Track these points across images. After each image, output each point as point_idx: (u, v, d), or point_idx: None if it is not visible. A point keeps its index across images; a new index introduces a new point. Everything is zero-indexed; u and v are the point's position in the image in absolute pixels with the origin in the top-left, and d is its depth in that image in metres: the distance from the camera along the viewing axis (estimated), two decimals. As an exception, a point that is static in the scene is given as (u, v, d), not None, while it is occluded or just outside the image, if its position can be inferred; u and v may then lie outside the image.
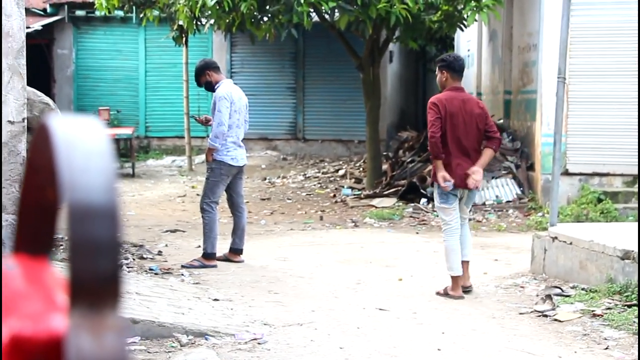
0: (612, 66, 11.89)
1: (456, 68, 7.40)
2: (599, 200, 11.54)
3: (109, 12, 14.83)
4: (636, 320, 6.07)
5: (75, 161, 0.73)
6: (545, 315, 6.52)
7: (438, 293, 7.38)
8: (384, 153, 15.28)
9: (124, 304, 0.75)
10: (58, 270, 0.91)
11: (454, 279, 7.26)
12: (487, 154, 7.37)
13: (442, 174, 7.13)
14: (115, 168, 0.74)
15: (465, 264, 7.38)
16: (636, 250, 6.72)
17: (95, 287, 0.72)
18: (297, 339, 5.86)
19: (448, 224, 7.31)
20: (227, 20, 12.47)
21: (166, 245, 9.59)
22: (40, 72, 18.65)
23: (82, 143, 0.75)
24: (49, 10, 19.25)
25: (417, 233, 10.97)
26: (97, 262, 0.72)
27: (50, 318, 0.80)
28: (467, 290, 7.38)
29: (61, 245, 6.56)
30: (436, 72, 7.64)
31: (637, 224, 7.80)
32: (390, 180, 13.63)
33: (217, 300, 6.93)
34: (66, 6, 19.13)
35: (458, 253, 7.26)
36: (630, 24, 11.78)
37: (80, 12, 19.11)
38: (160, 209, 12.82)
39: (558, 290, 7.20)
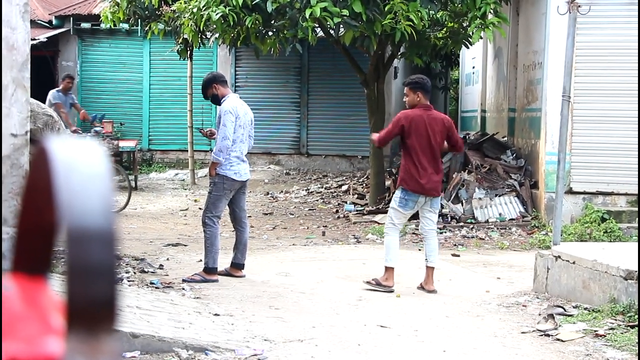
0: (617, 85, 11.89)
1: (428, 89, 8.32)
2: (603, 220, 11.51)
3: (114, 25, 14.88)
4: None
5: (74, 185, 0.72)
6: (548, 335, 6.48)
7: (368, 282, 8.21)
8: (387, 169, 15.27)
9: (120, 324, 0.74)
10: (55, 291, 0.90)
11: (390, 270, 8.17)
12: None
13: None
14: (113, 192, 0.73)
15: (430, 269, 8.26)
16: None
17: (92, 312, 0.71)
18: (297, 356, 5.83)
19: (395, 225, 8.27)
20: (232, 35, 12.50)
21: (167, 259, 9.57)
22: (45, 84, 18.70)
23: (81, 166, 0.74)
24: (54, 22, 19.30)
25: (420, 250, 10.93)
26: (93, 286, 0.70)
27: (46, 341, 0.78)
28: (431, 292, 8.18)
29: (59, 264, 6.55)
30: (406, 92, 8.36)
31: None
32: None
33: (218, 315, 6.91)
34: (71, 18, 19.17)
35: (397, 248, 8.26)
36: (636, 43, 11.78)
37: (85, 25, 19.15)
38: (162, 223, 12.81)
39: (560, 310, 7.17)
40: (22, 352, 0.77)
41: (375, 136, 8.66)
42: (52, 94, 14.39)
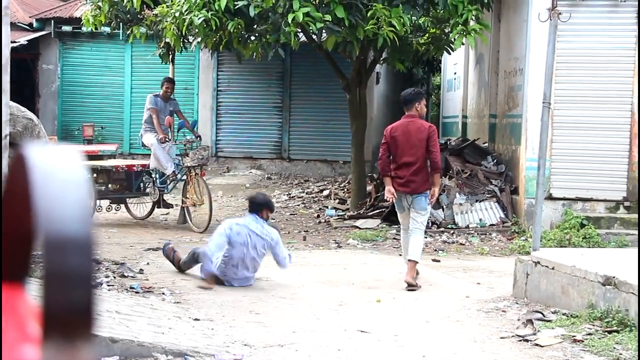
0: (597, 92, 11.97)
1: (404, 100, 8.96)
2: (582, 226, 11.58)
3: (96, 28, 14.83)
4: (616, 346, 6.08)
5: (51, 192, 0.72)
6: (526, 340, 6.51)
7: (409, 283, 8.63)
8: (369, 174, 15.30)
9: (99, 330, 0.74)
10: (32, 298, 0.90)
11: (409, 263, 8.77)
12: (435, 178, 8.95)
13: (388, 187, 8.88)
14: (90, 199, 0.74)
15: (411, 262, 8.79)
16: (617, 276, 6.74)
17: (69, 319, 0.71)
18: (277, 361, 5.83)
19: (401, 223, 9.09)
20: (214, 39, 12.48)
21: (148, 264, 9.54)
22: (25, 87, 18.61)
23: (59, 173, 0.74)
24: (35, 25, 19.22)
25: (400, 255, 10.95)
26: (70, 294, 0.71)
27: (23, 349, 0.79)
28: (410, 286, 8.61)
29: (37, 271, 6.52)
30: None
31: (622, 249, 7.86)
32: (375, 202, 13.64)
33: (198, 320, 6.89)
34: (52, 21, 19.10)
35: (405, 247, 8.97)
36: (616, 51, 11.88)
37: (66, 28, 19.08)
38: (142, 227, 12.77)
39: (539, 315, 7.20)
40: None
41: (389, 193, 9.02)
42: (148, 98, 13.03)
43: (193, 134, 12.93)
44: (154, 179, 12.88)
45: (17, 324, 0.83)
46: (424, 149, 8.85)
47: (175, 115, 13.07)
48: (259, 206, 8.71)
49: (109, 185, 12.84)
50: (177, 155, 12.62)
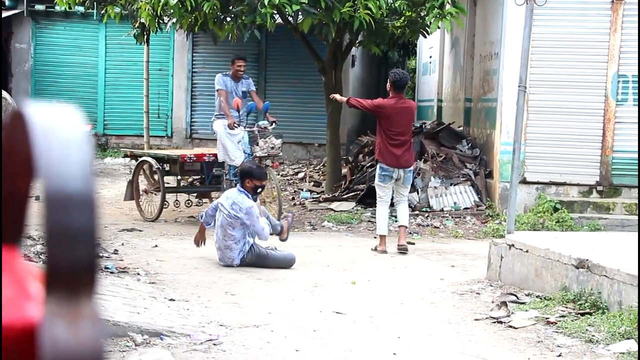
0: (572, 77, 12.04)
1: (392, 82, 9.88)
2: (555, 209, 11.67)
3: (70, 8, 14.63)
4: (589, 328, 6.15)
5: (53, 149, 0.72)
6: (500, 322, 6.57)
7: (372, 249, 9.81)
8: (344, 157, 15.31)
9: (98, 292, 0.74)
10: (26, 258, 0.90)
11: (381, 237, 9.80)
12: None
13: (339, 97, 10.72)
14: (93, 156, 0.73)
15: (402, 227, 9.86)
16: (591, 259, 6.81)
17: (72, 276, 0.71)
18: (253, 341, 5.85)
19: (381, 197, 9.91)
20: (190, 20, 12.40)
21: (122, 244, 9.51)
22: (-2, 66, 18.38)
23: (60, 131, 0.74)
24: (7, 3, 18.98)
25: (375, 237, 10.99)
26: (74, 251, 0.70)
27: (25, 306, 0.78)
28: (402, 248, 9.70)
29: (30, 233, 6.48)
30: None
31: (595, 233, 7.94)
32: (350, 185, 13.66)
33: (173, 300, 6.89)
34: (25, 0, 18.88)
35: (385, 218, 9.85)
36: (591, 35, 11.95)
37: (39, 7, 18.86)
38: (117, 208, 12.71)
39: (513, 298, 7.26)
40: (2, 317, 0.77)
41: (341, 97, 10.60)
42: (216, 78, 11.85)
43: (266, 119, 11.53)
44: (227, 170, 11.38)
45: (18, 283, 0.83)
46: (412, 126, 10.25)
47: (249, 96, 11.79)
48: (241, 176, 8.81)
49: (180, 178, 11.91)
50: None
